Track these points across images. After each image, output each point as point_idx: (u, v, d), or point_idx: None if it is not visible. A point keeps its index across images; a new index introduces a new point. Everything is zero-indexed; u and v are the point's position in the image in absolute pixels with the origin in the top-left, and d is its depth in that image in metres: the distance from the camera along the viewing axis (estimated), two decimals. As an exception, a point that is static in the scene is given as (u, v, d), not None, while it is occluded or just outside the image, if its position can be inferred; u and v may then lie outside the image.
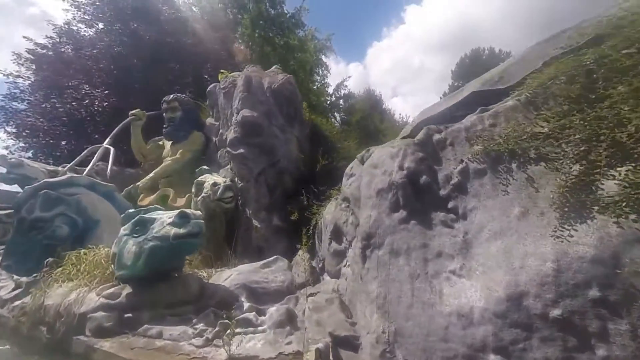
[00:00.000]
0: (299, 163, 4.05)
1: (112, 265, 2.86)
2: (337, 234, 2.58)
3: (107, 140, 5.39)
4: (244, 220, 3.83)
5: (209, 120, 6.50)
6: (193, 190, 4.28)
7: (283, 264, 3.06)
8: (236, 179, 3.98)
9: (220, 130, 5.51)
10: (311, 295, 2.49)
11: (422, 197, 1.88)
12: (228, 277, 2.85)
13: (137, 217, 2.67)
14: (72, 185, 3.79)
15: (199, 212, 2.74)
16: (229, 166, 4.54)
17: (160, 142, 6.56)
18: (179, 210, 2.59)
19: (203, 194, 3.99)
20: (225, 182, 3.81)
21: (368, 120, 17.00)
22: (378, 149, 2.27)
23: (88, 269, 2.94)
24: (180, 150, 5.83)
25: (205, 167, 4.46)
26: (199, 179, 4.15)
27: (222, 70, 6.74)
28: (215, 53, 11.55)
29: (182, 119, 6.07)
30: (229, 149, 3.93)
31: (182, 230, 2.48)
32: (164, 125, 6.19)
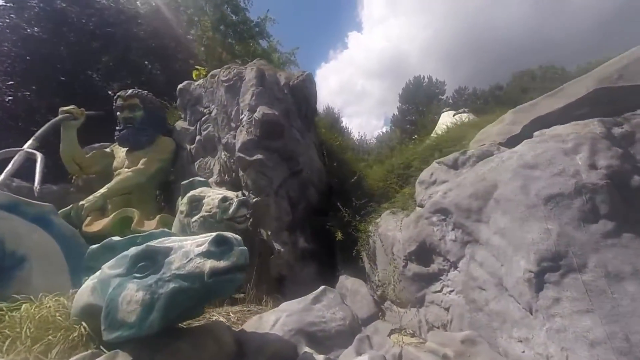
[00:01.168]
0: (322, 174, 3.51)
1: (85, 325, 1.84)
2: (422, 254, 2.14)
3: (30, 142, 3.88)
4: (257, 244, 3.04)
5: (181, 124, 5.46)
6: (182, 209, 3.33)
7: (335, 296, 2.44)
8: (247, 193, 3.21)
9: (215, 134, 4.59)
10: (394, 332, 1.98)
11: (633, 202, 1.54)
12: (276, 321, 2.10)
13: (141, 248, 1.77)
14: (-16, 204, 2.48)
15: (238, 236, 1.99)
16: (224, 177, 3.71)
17: (108, 150, 5.17)
18: (214, 234, 1.81)
19: (204, 213, 3.10)
20: (237, 196, 3.02)
21: (330, 137, 17.21)
22: (526, 145, 1.90)
23: (34, 334, 1.83)
24: (144, 159, 4.63)
25: (199, 178, 3.53)
26: (193, 193, 3.24)
27: (197, 67, 5.90)
28: (166, 50, 10.19)
29: (145, 121, 4.91)
30: (241, 154, 3.17)
31: (222, 263, 1.70)
32: (117, 128, 4.91)
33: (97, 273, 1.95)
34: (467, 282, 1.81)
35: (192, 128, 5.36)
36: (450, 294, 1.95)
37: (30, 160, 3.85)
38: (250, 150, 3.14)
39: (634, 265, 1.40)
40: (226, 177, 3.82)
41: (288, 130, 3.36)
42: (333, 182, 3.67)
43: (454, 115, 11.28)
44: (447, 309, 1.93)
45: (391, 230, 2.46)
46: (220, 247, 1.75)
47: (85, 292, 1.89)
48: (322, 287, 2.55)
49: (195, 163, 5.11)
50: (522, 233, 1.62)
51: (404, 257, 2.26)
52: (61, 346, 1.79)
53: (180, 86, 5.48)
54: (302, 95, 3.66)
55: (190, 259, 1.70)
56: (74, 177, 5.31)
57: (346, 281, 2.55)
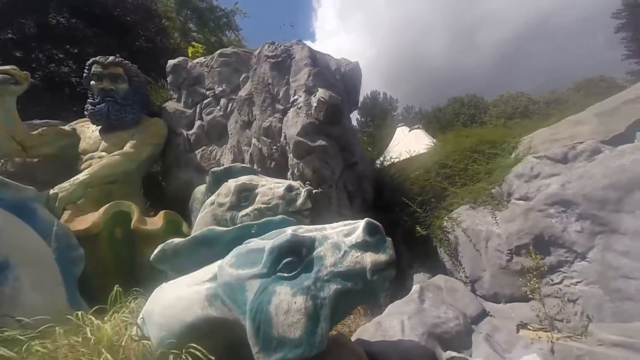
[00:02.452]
0: (371, 168, 3.29)
1: (200, 351, 1.29)
2: (536, 247, 2.13)
3: None
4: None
5: (173, 105, 4.59)
6: (223, 200, 2.74)
7: (433, 295, 2.27)
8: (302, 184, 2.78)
9: (221, 120, 3.92)
10: (522, 328, 1.92)
11: None
12: (401, 325, 1.82)
13: (285, 240, 1.31)
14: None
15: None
16: (255, 168, 3.18)
17: (67, 128, 3.99)
18: (362, 221, 1.48)
19: (259, 205, 2.59)
20: (301, 185, 2.61)
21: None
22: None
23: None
24: (134, 142, 3.71)
25: (241, 164, 2.93)
26: (243, 182, 2.69)
27: (193, 43, 5.14)
28: (127, 22, 8.53)
29: (129, 96, 3.98)
30: (301, 139, 2.73)
31: (383, 257, 1.40)
32: (90, 100, 3.84)
33: (204, 275, 1.40)
34: (605, 272, 1.89)
35: (190, 111, 4.57)
36: (577, 285, 2.01)
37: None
38: (310, 135, 2.77)
39: None
40: (258, 168, 3.29)
41: (345, 118, 3.10)
42: (381, 178, 3.51)
43: (409, 131, 12.41)
44: (574, 301, 1.98)
45: (482, 225, 2.45)
46: (375, 236, 1.45)
47: (191, 302, 1.32)
48: (417, 286, 2.36)
49: (197, 152, 4.33)
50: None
51: (508, 251, 2.25)
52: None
53: (173, 62, 4.65)
54: (351, 83, 3.45)
55: (345, 252, 1.36)
56: (1, 160, 3.89)
57: (438, 279, 2.40)
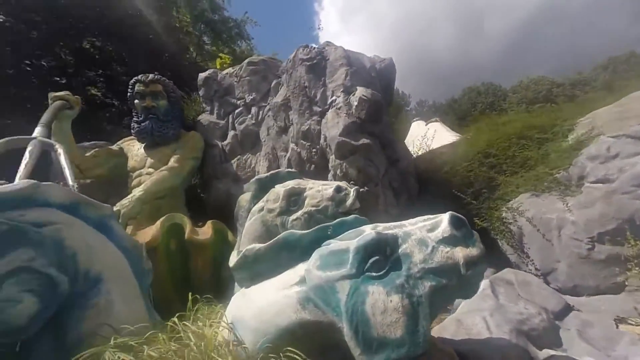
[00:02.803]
0: (414, 164, 3.23)
1: (298, 355, 1.29)
2: (622, 233, 1.99)
3: (39, 129, 2.89)
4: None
5: (207, 118, 4.74)
6: (272, 206, 2.78)
7: (505, 290, 2.17)
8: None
9: (253, 128, 4.00)
10: (621, 321, 1.78)
11: None
12: (484, 322, 1.75)
13: (369, 239, 1.29)
14: (35, 204, 1.68)
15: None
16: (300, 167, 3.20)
17: (115, 147, 4.22)
18: (446, 215, 1.44)
19: (309, 208, 2.60)
20: (348, 185, 2.60)
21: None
22: None
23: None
24: (177, 157, 3.87)
25: (286, 169, 2.97)
26: (292, 186, 2.72)
27: (220, 55, 5.29)
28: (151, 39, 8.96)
29: (169, 111, 4.15)
30: (344, 138, 2.73)
31: (474, 251, 1.35)
32: (136, 119, 4.04)
33: (290, 278, 1.42)
34: None
35: (223, 122, 4.70)
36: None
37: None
38: (353, 135, 2.76)
39: None
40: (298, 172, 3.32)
41: (384, 115, 3.07)
42: (422, 172, 3.43)
43: (426, 124, 12.07)
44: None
45: (551, 212, 2.31)
46: (461, 229, 1.40)
47: (283, 306, 1.33)
48: (487, 281, 2.26)
49: (233, 161, 4.44)
50: None
51: (589, 239, 2.11)
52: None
53: (204, 75, 4.81)
54: (386, 80, 3.41)
55: (433, 247, 1.32)
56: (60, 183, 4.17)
57: (507, 273, 2.29)
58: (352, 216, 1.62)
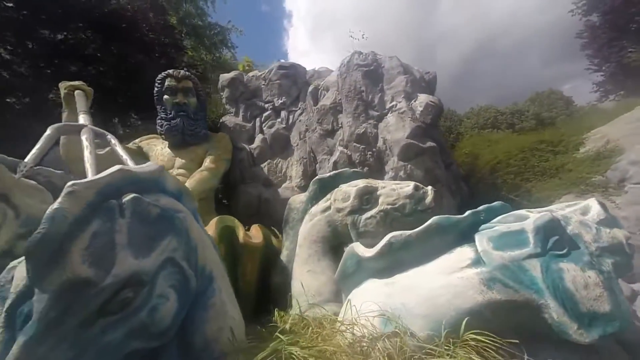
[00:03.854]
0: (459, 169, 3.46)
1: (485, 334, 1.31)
2: None
3: (85, 117, 2.52)
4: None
5: (232, 120, 4.58)
6: (341, 205, 2.78)
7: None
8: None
9: (283, 132, 3.96)
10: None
11: None
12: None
13: (546, 220, 1.40)
14: (158, 189, 1.51)
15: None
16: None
17: (132, 146, 3.86)
18: (595, 201, 1.62)
19: (385, 206, 2.65)
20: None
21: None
22: None
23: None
24: (213, 157, 3.67)
25: (351, 168, 2.97)
26: (366, 185, 2.76)
27: (245, 57, 5.23)
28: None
29: (198, 110, 3.95)
30: (412, 141, 2.85)
31: (626, 232, 1.55)
32: (164, 115, 3.77)
33: (457, 261, 1.44)
34: None
35: (249, 125, 4.58)
36: None
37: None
38: (419, 138, 2.90)
39: None
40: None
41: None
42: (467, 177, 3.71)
43: None
44: None
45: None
46: (609, 212, 1.59)
47: (462, 289, 1.35)
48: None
49: (263, 165, 4.31)
50: None
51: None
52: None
53: (230, 76, 4.70)
54: (432, 91, 3.67)
55: (596, 229, 1.46)
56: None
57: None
58: (498, 202, 1.69)
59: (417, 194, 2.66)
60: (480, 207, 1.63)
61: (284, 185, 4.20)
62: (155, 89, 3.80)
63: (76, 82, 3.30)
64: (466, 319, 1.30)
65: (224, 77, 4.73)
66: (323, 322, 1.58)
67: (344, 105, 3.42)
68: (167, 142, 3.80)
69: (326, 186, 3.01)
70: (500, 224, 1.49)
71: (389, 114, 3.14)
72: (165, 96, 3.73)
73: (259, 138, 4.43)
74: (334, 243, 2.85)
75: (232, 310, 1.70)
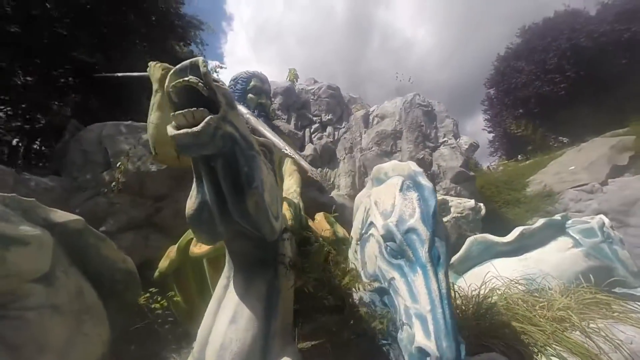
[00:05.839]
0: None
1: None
2: None
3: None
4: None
5: (285, 126, 4.88)
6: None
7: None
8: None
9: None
10: None
11: None
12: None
13: (602, 221, 2.61)
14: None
15: None
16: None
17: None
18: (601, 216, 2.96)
19: (455, 214, 3.65)
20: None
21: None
22: None
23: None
24: (289, 165, 3.96)
25: None
26: (441, 198, 3.70)
27: (293, 71, 5.61)
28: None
29: (269, 112, 4.23)
30: (462, 169, 3.93)
31: None
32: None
33: (564, 245, 2.49)
34: None
35: (300, 133, 4.98)
36: None
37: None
38: (464, 166, 4.02)
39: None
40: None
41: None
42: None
43: None
44: None
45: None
46: None
47: (574, 260, 2.39)
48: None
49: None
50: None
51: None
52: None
53: (286, 85, 5.06)
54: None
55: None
56: (119, 175, 3.27)
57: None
58: (563, 214, 2.86)
59: (476, 207, 3.75)
60: (557, 216, 2.77)
61: (333, 192, 4.72)
62: (240, 86, 3.89)
63: (160, 63, 3.23)
64: (578, 276, 2.32)
65: (280, 84, 5.03)
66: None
67: (405, 133, 4.36)
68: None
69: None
70: (576, 225, 2.62)
71: (441, 147, 4.23)
72: (250, 95, 3.86)
73: (310, 147, 4.86)
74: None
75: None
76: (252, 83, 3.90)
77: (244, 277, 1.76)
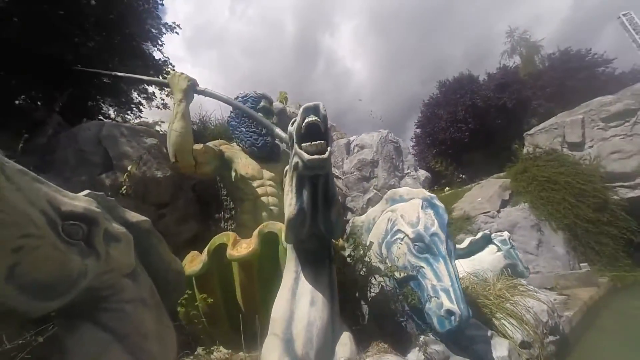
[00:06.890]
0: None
1: None
2: None
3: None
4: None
5: (282, 146, 5.33)
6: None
7: None
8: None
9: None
10: None
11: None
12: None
13: (485, 234, 3.99)
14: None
15: None
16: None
17: (217, 149, 3.94)
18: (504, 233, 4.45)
19: None
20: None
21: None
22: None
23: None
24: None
25: None
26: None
27: (283, 94, 6.14)
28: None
29: (271, 130, 4.72)
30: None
31: None
32: (258, 131, 4.23)
33: (488, 251, 3.75)
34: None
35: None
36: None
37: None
38: (420, 194, 5.22)
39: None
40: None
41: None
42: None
43: None
44: None
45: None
46: None
47: (498, 260, 3.65)
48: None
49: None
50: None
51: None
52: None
53: (281, 106, 5.56)
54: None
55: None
56: (126, 178, 3.25)
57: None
58: (486, 232, 4.17)
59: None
60: (484, 232, 4.08)
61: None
62: (249, 104, 4.26)
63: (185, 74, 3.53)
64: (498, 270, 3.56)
65: (277, 105, 5.49)
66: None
67: (380, 163, 5.39)
68: (246, 154, 4.17)
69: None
70: (496, 237, 3.94)
71: (406, 177, 5.40)
72: (260, 115, 4.26)
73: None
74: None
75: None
76: (262, 104, 4.34)
77: (313, 270, 2.27)
